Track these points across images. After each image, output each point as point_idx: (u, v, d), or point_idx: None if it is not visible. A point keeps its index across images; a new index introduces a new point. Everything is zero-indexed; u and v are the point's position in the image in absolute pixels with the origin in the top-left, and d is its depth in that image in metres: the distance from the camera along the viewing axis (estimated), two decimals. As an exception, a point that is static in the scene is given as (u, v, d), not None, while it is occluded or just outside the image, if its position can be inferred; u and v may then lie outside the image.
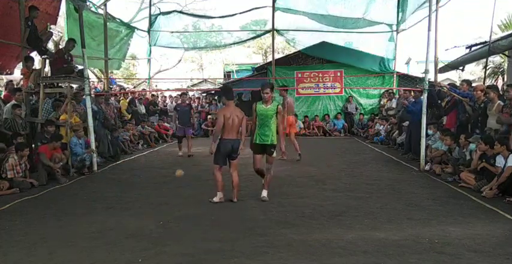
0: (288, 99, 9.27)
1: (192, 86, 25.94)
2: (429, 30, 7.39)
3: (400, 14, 13.96)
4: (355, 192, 5.94)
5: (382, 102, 14.59)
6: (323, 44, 14.52)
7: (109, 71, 13.61)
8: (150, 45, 15.80)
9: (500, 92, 7.20)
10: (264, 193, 5.55)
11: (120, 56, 14.06)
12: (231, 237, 4.10)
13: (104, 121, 9.34)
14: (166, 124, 13.80)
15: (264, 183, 5.62)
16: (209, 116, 14.93)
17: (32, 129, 7.97)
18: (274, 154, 5.55)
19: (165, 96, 16.10)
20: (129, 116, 12.07)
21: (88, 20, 10.62)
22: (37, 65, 9.20)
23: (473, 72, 21.60)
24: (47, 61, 8.45)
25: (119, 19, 13.54)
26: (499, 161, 5.70)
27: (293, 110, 9.68)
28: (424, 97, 7.53)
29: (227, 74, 26.51)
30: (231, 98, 5.49)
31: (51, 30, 9.41)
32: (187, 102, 10.39)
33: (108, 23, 11.99)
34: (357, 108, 14.90)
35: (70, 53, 8.70)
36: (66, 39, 9.42)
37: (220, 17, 16.02)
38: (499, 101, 6.67)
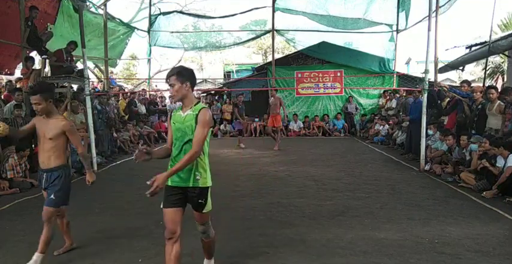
0: (272, 98, 10.86)
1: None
2: (429, 30, 7.39)
3: (401, 14, 13.99)
4: (355, 192, 5.94)
5: (380, 103, 14.61)
6: (323, 44, 14.54)
7: (109, 71, 13.66)
8: (150, 45, 15.84)
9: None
10: None
11: (115, 54, 14.09)
12: (231, 237, 4.10)
13: (106, 121, 9.41)
14: (166, 124, 13.82)
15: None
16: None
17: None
18: (209, 206, 3.01)
19: (163, 97, 16.11)
20: (126, 117, 12.10)
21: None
22: (37, 65, 9.20)
23: (473, 72, 21.64)
24: (47, 61, 8.46)
25: (118, 19, 13.57)
26: (500, 161, 5.70)
27: (276, 110, 10.80)
28: (424, 97, 7.53)
29: (227, 74, 26.53)
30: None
31: (51, 30, 9.41)
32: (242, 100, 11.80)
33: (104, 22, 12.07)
34: (357, 108, 14.90)
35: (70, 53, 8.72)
36: (51, 31, 9.32)
37: (220, 17, 16.06)
38: (499, 101, 6.68)
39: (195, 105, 2.89)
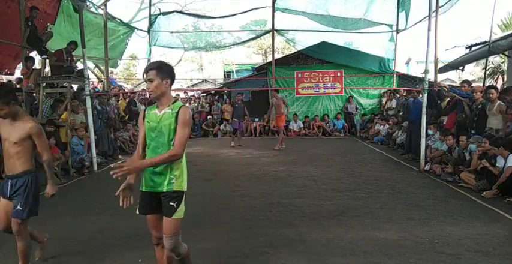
0: (275, 99, 10.99)
1: (192, 86, 25.95)
2: (429, 30, 7.39)
3: (401, 14, 13.99)
4: (355, 192, 5.94)
5: (383, 102, 14.60)
6: (323, 44, 14.54)
7: (109, 71, 13.67)
8: (150, 45, 15.83)
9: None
10: None
11: (116, 55, 14.08)
12: (231, 237, 4.10)
13: (106, 121, 9.41)
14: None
15: None
16: (209, 117, 14.97)
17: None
18: (181, 213, 2.70)
19: None
20: (126, 117, 12.11)
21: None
22: (37, 65, 9.20)
23: (473, 72, 21.64)
24: (47, 61, 8.46)
25: (118, 19, 13.57)
26: (500, 161, 5.70)
27: (281, 110, 11.00)
28: (424, 97, 7.53)
29: (227, 74, 26.54)
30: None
31: (51, 30, 9.42)
32: (241, 99, 11.85)
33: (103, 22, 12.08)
34: (357, 108, 14.90)
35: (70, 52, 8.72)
36: (51, 31, 9.28)
37: (220, 17, 16.06)
38: (499, 101, 6.68)
39: (173, 104, 2.68)
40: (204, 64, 31.17)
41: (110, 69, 13.84)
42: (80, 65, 8.92)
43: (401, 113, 11.52)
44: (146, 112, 2.76)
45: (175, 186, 2.68)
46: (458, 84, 10.68)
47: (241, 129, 12.07)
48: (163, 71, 2.64)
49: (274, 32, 15.02)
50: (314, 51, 14.76)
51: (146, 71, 2.65)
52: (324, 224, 4.49)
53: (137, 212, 2.79)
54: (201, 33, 16.87)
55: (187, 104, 15.79)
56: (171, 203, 2.65)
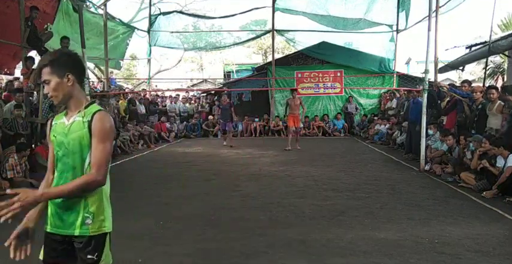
0: (291, 98, 10.74)
1: (192, 86, 25.94)
2: (429, 30, 7.40)
3: (401, 14, 14.01)
4: (355, 192, 5.93)
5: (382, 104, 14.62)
6: (323, 44, 14.56)
7: (109, 71, 13.67)
8: (150, 45, 15.85)
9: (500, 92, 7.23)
10: None
11: (117, 55, 14.07)
12: (231, 237, 4.10)
13: None
14: (167, 124, 13.82)
15: None
16: (210, 117, 14.98)
17: (32, 129, 7.97)
18: (108, 260, 2.21)
19: (165, 97, 16.15)
20: (126, 116, 12.12)
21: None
22: (37, 64, 9.19)
23: (473, 72, 21.64)
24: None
25: (118, 19, 13.57)
26: (500, 161, 5.70)
27: (298, 110, 10.81)
28: (424, 97, 7.53)
29: (227, 74, 26.54)
30: None
31: (51, 30, 9.41)
32: (228, 100, 11.80)
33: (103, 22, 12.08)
34: (357, 109, 14.92)
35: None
36: (51, 30, 9.27)
37: (220, 17, 16.09)
38: (499, 101, 6.68)
39: (85, 108, 1.95)
40: (204, 64, 31.15)
41: (110, 69, 13.83)
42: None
43: (401, 113, 11.52)
44: (53, 122, 2.01)
45: (92, 229, 1.97)
46: (458, 84, 10.68)
47: (230, 129, 11.95)
48: (59, 64, 1.88)
49: (274, 32, 15.03)
50: (314, 51, 14.78)
51: (39, 69, 1.91)
52: (324, 224, 4.48)
53: (40, 257, 2.05)
54: (201, 33, 16.90)
55: (187, 104, 15.78)
56: (89, 256, 1.96)
